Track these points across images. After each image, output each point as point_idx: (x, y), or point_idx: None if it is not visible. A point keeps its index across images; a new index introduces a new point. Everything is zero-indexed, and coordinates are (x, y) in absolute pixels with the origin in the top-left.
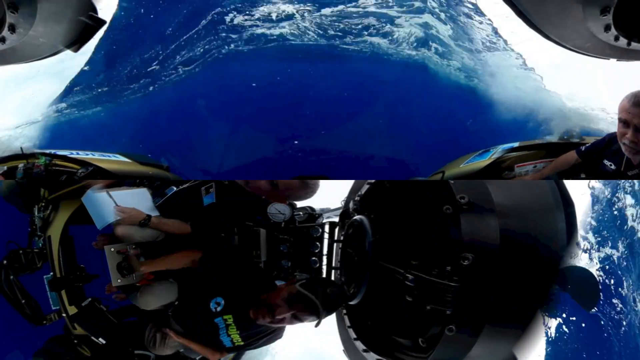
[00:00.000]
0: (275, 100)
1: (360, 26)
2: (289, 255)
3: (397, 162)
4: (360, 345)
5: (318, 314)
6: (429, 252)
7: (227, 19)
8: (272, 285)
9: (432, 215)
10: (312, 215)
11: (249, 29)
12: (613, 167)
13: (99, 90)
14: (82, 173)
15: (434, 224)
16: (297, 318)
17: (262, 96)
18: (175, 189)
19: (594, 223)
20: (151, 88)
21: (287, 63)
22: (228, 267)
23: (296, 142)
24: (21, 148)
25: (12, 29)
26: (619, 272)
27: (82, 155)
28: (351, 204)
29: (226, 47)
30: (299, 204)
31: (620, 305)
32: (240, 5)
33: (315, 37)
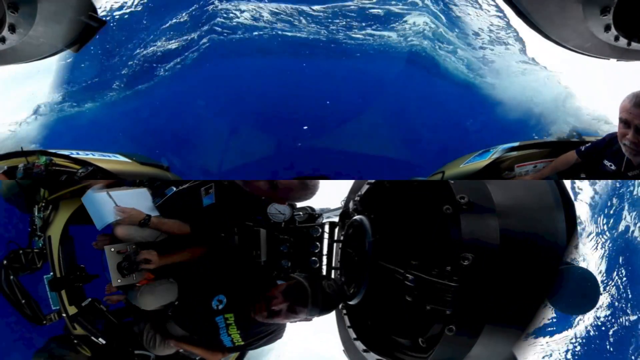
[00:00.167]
0: (275, 100)
1: (361, 24)
2: (289, 255)
3: (397, 162)
4: (360, 345)
5: (307, 302)
6: (428, 252)
7: (225, 14)
8: (273, 285)
9: (432, 215)
10: (312, 215)
11: (248, 25)
12: (613, 167)
13: (92, 84)
14: (82, 173)
15: (434, 224)
16: (292, 311)
17: (262, 96)
18: (174, 189)
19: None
20: (148, 84)
21: (287, 62)
22: (230, 266)
23: (296, 142)
24: (21, 147)
25: (12, 29)
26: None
27: (82, 155)
28: (351, 204)
29: (225, 45)
30: (299, 204)
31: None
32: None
33: (315, 34)
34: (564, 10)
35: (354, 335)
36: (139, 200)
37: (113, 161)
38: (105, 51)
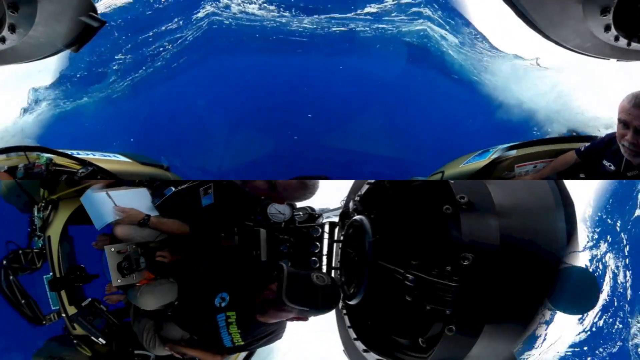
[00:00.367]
0: (275, 100)
1: (361, 23)
2: (289, 255)
3: (397, 162)
4: (360, 345)
5: (280, 292)
6: (428, 252)
7: (224, 13)
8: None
9: (432, 215)
10: (312, 215)
11: (248, 25)
12: (612, 167)
13: (88, 81)
14: (82, 173)
15: (434, 224)
16: (280, 302)
17: (262, 96)
18: (173, 189)
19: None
20: (147, 83)
21: (287, 62)
22: (233, 264)
23: (296, 141)
24: (24, 147)
25: (12, 29)
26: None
27: (82, 155)
28: (351, 204)
29: (225, 44)
30: (299, 204)
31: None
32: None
33: (316, 34)
34: (564, 10)
35: (354, 335)
36: (138, 200)
37: (113, 161)
38: (101, 49)
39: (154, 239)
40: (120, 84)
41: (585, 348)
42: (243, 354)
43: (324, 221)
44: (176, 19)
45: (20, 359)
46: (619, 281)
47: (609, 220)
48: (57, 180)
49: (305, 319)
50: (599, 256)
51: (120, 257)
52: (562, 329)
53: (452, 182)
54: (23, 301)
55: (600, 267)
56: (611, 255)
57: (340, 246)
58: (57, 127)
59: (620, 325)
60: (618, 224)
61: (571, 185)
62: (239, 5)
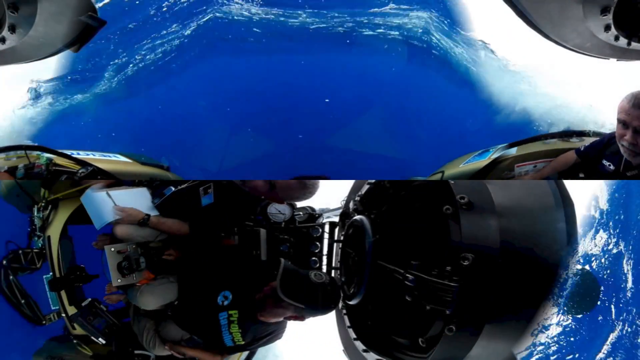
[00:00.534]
0: (275, 100)
1: (361, 23)
2: (289, 255)
3: (397, 162)
4: (360, 345)
5: (276, 286)
6: (428, 252)
7: (224, 12)
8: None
9: (432, 215)
10: (312, 215)
11: (247, 24)
12: (612, 167)
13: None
14: (82, 173)
15: (434, 224)
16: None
17: (262, 96)
18: (173, 189)
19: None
20: (147, 83)
21: (287, 61)
22: (236, 263)
23: (296, 141)
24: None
25: (12, 29)
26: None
27: (82, 155)
28: (351, 204)
29: (225, 44)
30: (299, 204)
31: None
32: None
33: (316, 34)
34: (564, 10)
35: (354, 335)
36: (138, 199)
37: (113, 161)
38: (101, 49)
39: (154, 239)
40: (120, 84)
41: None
42: (244, 354)
43: (324, 221)
44: (177, 19)
45: (20, 359)
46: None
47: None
48: (57, 180)
49: (302, 318)
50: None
51: (120, 257)
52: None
53: (452, 182)
54: (23, 301)
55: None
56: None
57: (340, 246)
58: (56, 127)
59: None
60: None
61: (571, 185)
62: (239, 5)
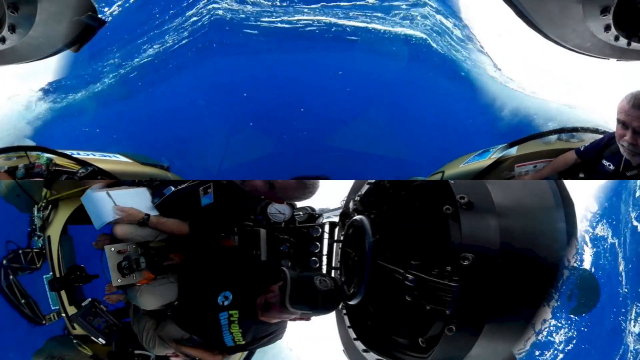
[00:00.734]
0: (275, 100)
1: (361, 23)
2: (289, 255)
3: (397, 162)
4: (360, 345)
5: (284, 297)
6: (428, 252)
7: (224, 12)
8: (278, 281)
9: (432, 216)
10: (312, 215)
11: (247, 24)
12: (612, 167)
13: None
14: (82, 173)
15: (434, 224)
16: (282, 306)
17: (262, 95)
18: (173, 189)
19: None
20: (147, 83)
21: (287, 61)
22: (236, 263)
23: (296, 141)
24: (25, 147)
25: (12, 29)
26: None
27: (82, 155)
28: (351, 204)
29: (225, 44)
30: (299, 204)
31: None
32: None
33: (316, 34)
34: (564, 10)
35: (354, 335)
36: (138, 199)
37: (113, 161)
38: (101, 49)
39: (153, 239)
40: (120, 84)
41: None
42: (244, 355)
43: (324, 221)
44: (176, 19)
45: (20, 359)
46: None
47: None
48: (57, 180)
49: (307, 319)
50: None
51: (120, 257)
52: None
53: (452, 182)
54: (23, 301)
55: None
56: None
57: (340, 246)
58: (56, 127)
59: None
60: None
61: (571, 185)
62: (239, 5)
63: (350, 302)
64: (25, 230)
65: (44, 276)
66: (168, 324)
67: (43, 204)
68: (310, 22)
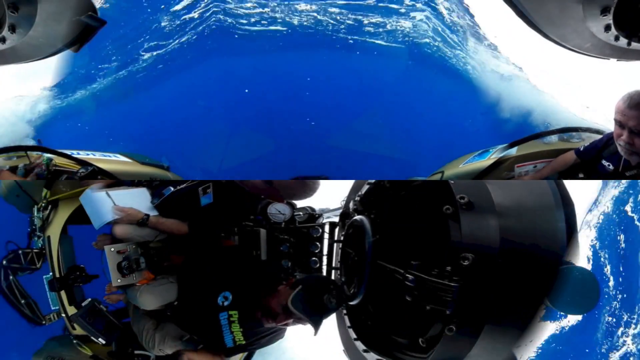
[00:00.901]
0: (275, 100)
1: (361, 23)
2: (289, 255)
3: (397, 162)
4: (360, 345)
5: (313, 327)
6: (428, 252)
7: (225, 13)
8: (278, 281)
9: (432, 216)
10: (312, 215)
11: (248, 24)
12: (611, 167)
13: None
14: (82, 173)
15: (434, 224)
16: (299, 321)
17: (262, 96)
18: (172, 189)
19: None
20: (147, 83)
21: (287, 61)
22: (236, 263)
23: (296, 141)
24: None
25: (12, 29)
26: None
27: (82, 155)
28: (351, 204)
29: (225, 44)
30: (299, 204)
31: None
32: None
33: (316, 34)
34: (564, 10)
35: (354, 335)
36: (137, 199)
37: (113, 161)
38: (102, 49)
39: (153, 239)
40: (120, 84)
41: None
42: (244, 355)
43: (324, 221)
44: (177, 19)
45: (20, 359)
46: None
47: None
48: (58, 180)
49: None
50: None
51: (120, 257)
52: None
53: (452, 182)
54: (23, 301)
55: None
56: None
57: (340, 246)
58: (56, 127)
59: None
60: None
61: (571, 185)
62: (239, 5)
63: (351, 303)
64: (25, 231)
65: (44, 276)
66: (168, 324)
67: (43, 204)
68: (311, 22)
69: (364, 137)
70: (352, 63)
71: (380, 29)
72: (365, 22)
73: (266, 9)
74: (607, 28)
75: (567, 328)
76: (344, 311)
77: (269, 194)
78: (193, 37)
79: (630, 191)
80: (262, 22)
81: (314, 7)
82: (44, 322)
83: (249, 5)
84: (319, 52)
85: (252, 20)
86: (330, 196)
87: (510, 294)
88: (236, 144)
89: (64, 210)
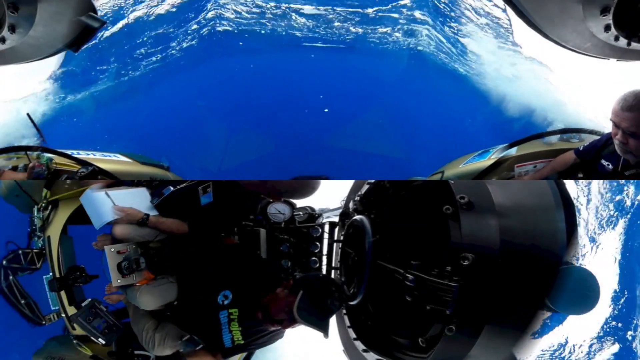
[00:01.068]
0: (275, 100)
1: (361, 23)
2: (289, 255)
3: (397, 162)
4: (360, 345)
5: (322, 332)
6: (428, 252)
7: (224, 14)
8: (278, 280)
9: (432, 216)
10: (312, 215)
11: (248, 25)
12: (610, 167)
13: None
14: (82, 173)
15: (434, 224)
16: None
17: (262, 96)
18: (172, 188)
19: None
20: (147, 83)
21: (287, 62)
22: (236, 262)
23: (296, 141)
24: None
25: (12, 29)
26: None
27: (82, 154)
28: (351, 204)
29: (225, 44)
30: (299, 203)
31: None
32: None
33: (316, 33)
34: (564, 10)
35: (354, 335)
36: (137, 199)
37: (113, 161)
38: (102, 49)
39: (153, 239)
40: (120, 84)
41: None
42: (243, 355)
43: (324, 221)
44: (177, 19)
45: (20, 359)
46: None
47: None
48: (58, 180)
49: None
50: None
51: (120, 257)
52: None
53: (452, 182)
54: (23, 301)
55: None
56: None
57: (340, 246)
58: (57, 126)
59: None
60: None
61: (571, 185)
62: (239, 5)
63: (350, 302)
64: (25, 231)
65: (44, 276)
66: (168, 324)
67: (43, 204)
68: (312, 23)
69: (364, 137)
70: (352, 63)
71: (381, 30)
72: (366, 22)
73: (267, 9)
74: (607, 28)
75: None
76: (344, 311)
77: (269, 194)
78: (193, 37)
79: None
80: (263, 22)
81: (315, 7)
82: (44, 322)
83: (249, 5)
84: (319, 53)
85: (253, 20)
86: (330, 196)
87: (510, 294)
88: (236, 144)
89: (64, 210)
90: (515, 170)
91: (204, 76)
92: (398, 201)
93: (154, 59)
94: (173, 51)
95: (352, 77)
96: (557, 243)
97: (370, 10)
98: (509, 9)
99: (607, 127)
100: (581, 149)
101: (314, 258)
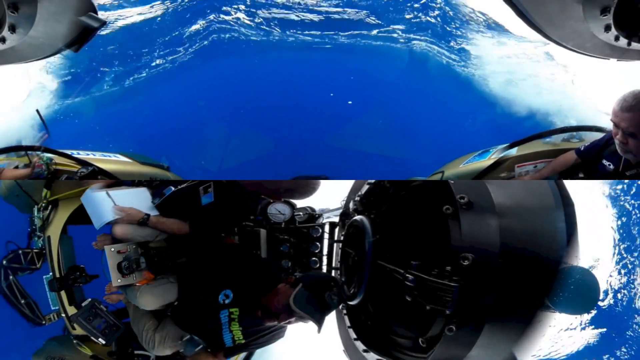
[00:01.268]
0: (275, 100)
1: (361, 23)
2: (289, 255)
3: (397, 162)
4: (360, 345)
5: (316, 325)
6: (428, 252)
7: (225, 14)
8: (278, 280)
9: (432, 216)
10: (312, 215)
11: (248, 25)
12: (611, 167)
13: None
14: (82, 173)
15: (434, 224)
16: (301, 319)
17: (262, 96)
18: (173, 189)
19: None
20: (147, 83)
21: (288, 62)
22: (237, 261)
23: (296, 142)
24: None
25: (12, 29)
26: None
27: (82, 155)
28: (351, 204)
29: (225, 45)
30: (299, 204)
31: None
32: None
33: (315, 33)
34: (564, 10)
35: (354, 335)
36: (138, 199)
37: (113, 161)
38: (100, 48)
39: (153, 239)
40: (120, 84)
41: None
42: (242, 355)
43: (324, 221)
44: (177, 19)
45: (20, 359)
46: None
47: None
48: (58, 180)
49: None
50: None
51: (120, 257)
52: None
53: (452, 182)
54: (23, 301)
55: None
56: None
57: (340, 246)
58: (57, 127)
59: None
60: None
61: (571, 185)
62: (239, 6)
63: (351, 302)
64: (25, 230)
65: (44, 276)
66: (168, 324)
67: (43, 204)
68: (312, 23)
69: (364, 137)
70: (352, 63)
71: (381, 30)
72: (367, 22)
73: (266, 12)
74: (607, 28)
75: None
76: (344, 311)
77: (269, 194)
78: (194, 39)
79: None
80: (263, 22)
81: (315, 7)
82: (44, 322)
83: (249, 6)
84: (319, 53)
85: (253, 20)
86: (330, 196)
87: (510, 294)
88: (236, 144)
89: (64, 210)
90: (515, 171)
91: (204, 77)
92: (398, 201)
93: (155, 61)
94: (174, 52)
95: (353, 77)
96: (557, 243)
97: (371, 17)
98: (509, 9)
99: (607, 124)
100: (582, 149)
101: (314, 258)
